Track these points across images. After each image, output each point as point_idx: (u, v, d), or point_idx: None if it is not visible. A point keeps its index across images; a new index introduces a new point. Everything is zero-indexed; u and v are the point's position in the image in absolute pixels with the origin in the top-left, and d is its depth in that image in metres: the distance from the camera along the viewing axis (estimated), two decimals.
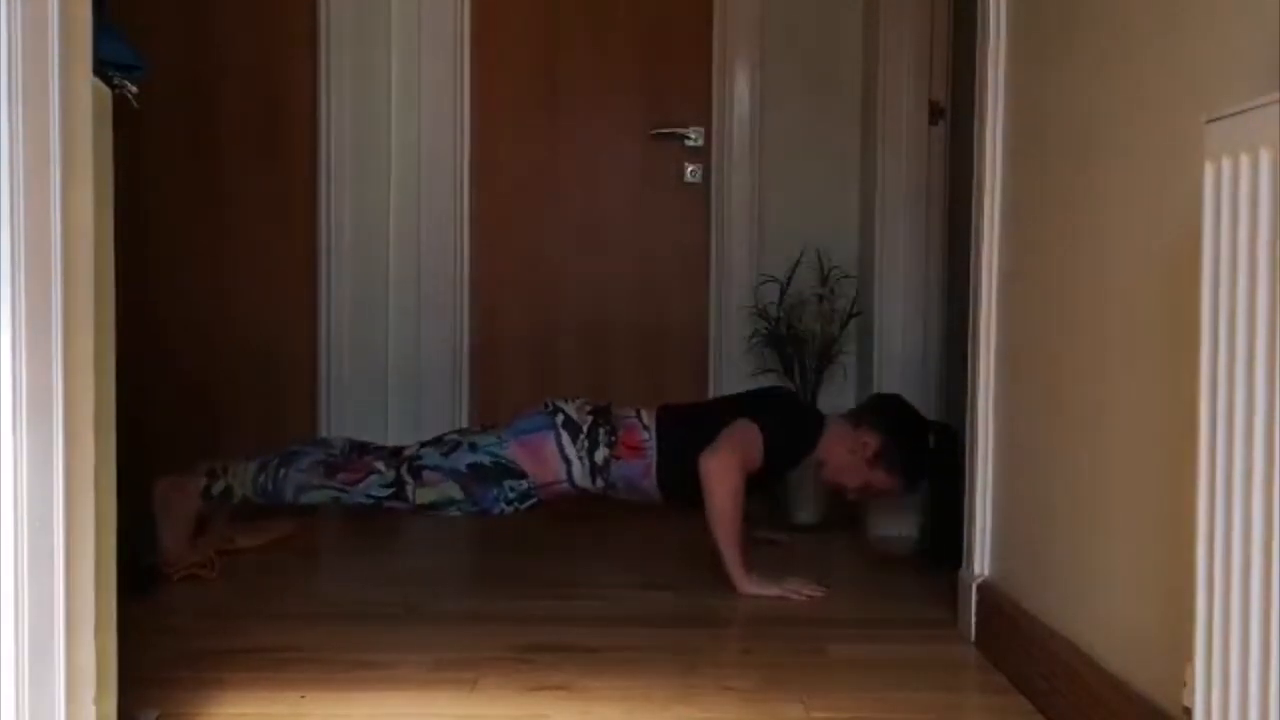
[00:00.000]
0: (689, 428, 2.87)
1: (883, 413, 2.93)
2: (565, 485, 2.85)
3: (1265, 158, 1.07)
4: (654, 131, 3.80)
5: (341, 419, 3.71)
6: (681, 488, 2.86)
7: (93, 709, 1.46)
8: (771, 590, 2.67)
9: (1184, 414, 1.32)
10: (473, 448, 2.85)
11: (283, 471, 2.83)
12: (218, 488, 2.83)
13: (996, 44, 2.35)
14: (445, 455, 2.84)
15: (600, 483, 2.85)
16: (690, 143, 3.81)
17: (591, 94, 3.84)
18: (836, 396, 3.60)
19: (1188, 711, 1.25)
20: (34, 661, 1.31)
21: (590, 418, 2.87)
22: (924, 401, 3.47)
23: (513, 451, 2.83)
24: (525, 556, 3.15)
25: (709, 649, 2.33)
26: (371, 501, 2.85)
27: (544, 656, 2.20)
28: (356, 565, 3.08)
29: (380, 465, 2.84)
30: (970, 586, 2.37)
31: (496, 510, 2.85)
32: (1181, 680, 1.39)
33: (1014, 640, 2.11)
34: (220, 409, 3.71)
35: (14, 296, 1.27)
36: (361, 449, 2.92)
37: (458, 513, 2.89)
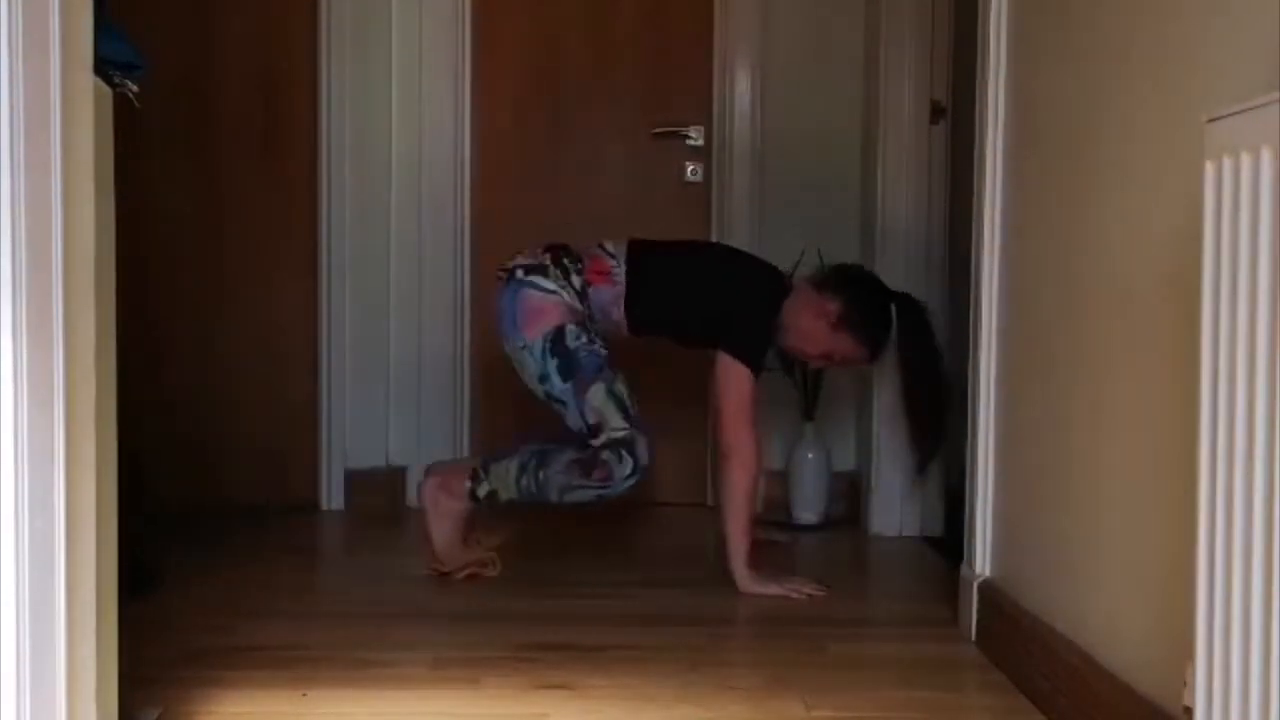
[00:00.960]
0: (664, 269, 2.84)
1: (846, 278, 2.87)
2: (579, 310, 2.78)
3: (1266, 156, 1.07)
4: (655, 131, 3.80)
5: (342, 420, 3.71)
6: (648, 322, 2.84)
7: (94, 707, 1.46)
8: (773, 590, 2.67)
9: (1185, 414, 1.32)
10: (542, 379, 2.74)
11: (542, 474, 2.75)
12: (483, 490, 2.78)
13: (997, 43, 2.35)
14: (568, 409, 2.74)
15: (585, 308, 2.79)
16: (691, 142, 3.80)
17: (592, 93, 3.84)
18: (837, 396, 3.60)
19: (1188, 711, 1.25)
20: (35, 659, 1.31)
21: (547, 255, 2.80)
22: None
23: (532, 331, 2.73)
24: (527, 555, 3.16)
25: (711, 648, 2.33)
26: (631, 478, 2.71)
27: (546, 655, 2.20)
28: (358, 563, 3.08)
29: (606, 456, 2.70)
30: (971, 585, 2.37)
31: (601, 356, 2.74)
32: (1182, 680, 1.39)
33: (1015, 639, 2.11)
34: (220, 408, 3.71)
35: (15, 295, 1.27)
36: (582, 449, 2.78)
37: (621, 385, 2.74)
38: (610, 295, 2.80)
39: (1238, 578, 1.11)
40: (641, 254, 2.84)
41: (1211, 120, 1.17)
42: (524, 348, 2.76)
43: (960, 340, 2.75)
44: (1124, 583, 1.72)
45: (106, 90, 1.58)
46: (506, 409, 3.62)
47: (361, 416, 3.73)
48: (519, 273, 2.79)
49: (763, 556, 2.78)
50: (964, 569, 2.45)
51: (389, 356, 3.73)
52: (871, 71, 3.52)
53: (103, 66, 1.55)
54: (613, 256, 2.82)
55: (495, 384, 3.78)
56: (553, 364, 2.74)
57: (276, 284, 3.76)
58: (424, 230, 3.73)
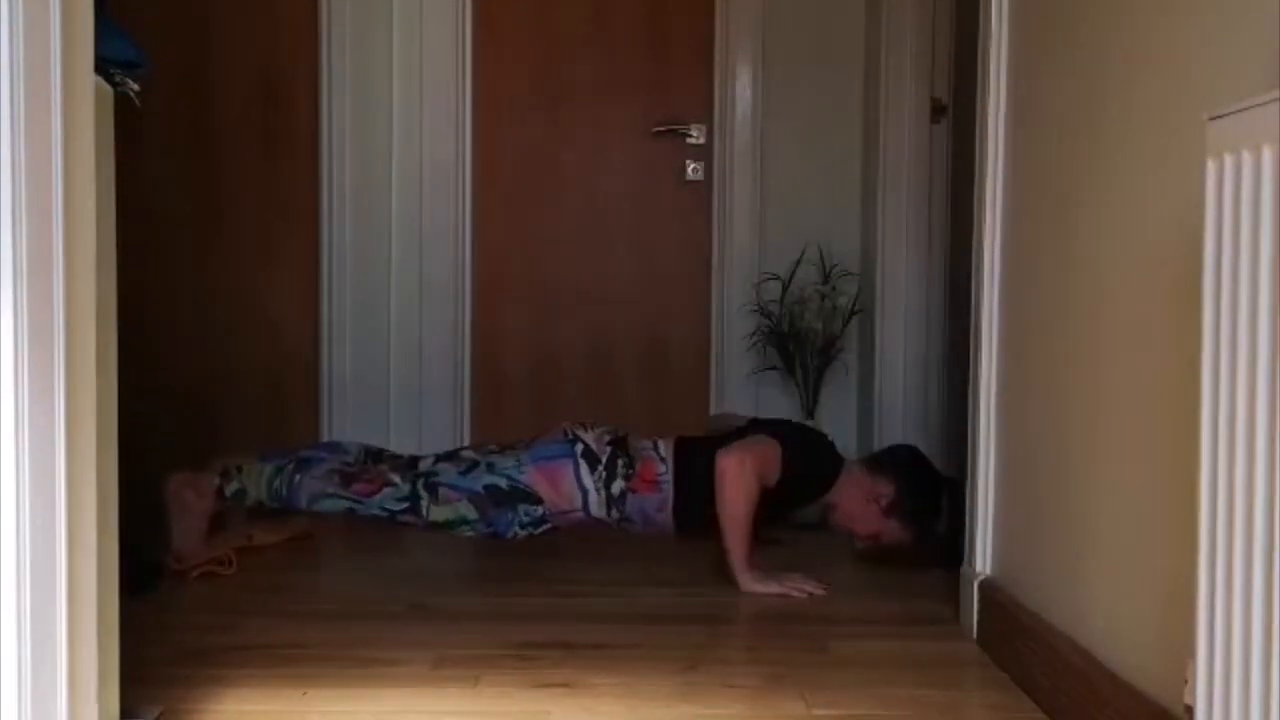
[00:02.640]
0: (707, 461, 2.80)
1: (901, 464, 2.90)
2: (580, 514, 2.86)
3: (1268, 154, 1.07)
4: (656, 129, 3.80)
5: (343, 416, 3.71)
6: (697, 521, 2.87)
7: (95, 705, 1.46)
8: (773, 588, 2.67)
9: (1186, 411, 1.31)
10: (490, 468, 2.84)
11: (297, 478, 2.82)
12: (231, 488, 2.83)
13: (998, 41, 2.35)
14: (462, 474, 2.84)
15: (615, 514, 2.86)
16: (692, 140, 3.80)
17: (593, 91, 3.84)
18: (838, 394, 3.60)
19: (1189, 709, 1.25)
20: (36, 657, 1.31)
21: (609, 449, 2.87)
22: (925, 398, 3.47)
23: (531, 478, 2.84)
24: (528, 554, 3.15)
25: (711, 646, 2.33)
26: (385, 514, 2.85)
27: (546, 654, 2.20)
28: (359, 563, 3.08)
29: (395, 478, 2.83)
30: (972, 584, 2.37)
31: (509, 534, 2.86)
32: (1183, 678, 1.39)
33: (1016, 637, 2.11)
34: (222, 405, 3.71)
35: (15, 294, 1.27)
36: (376, 457, 2.91)
37: (471, 533, 2.89)
38: (655, 502, 2.87)
39: (1239, 576, 1.11)
40: (686, 455, 2.89)
41: (1213, 118, 1.17)
42: (519, 464, 2.86)
43: (961, 340, 2.74)
44: (1125, 581, 1.72)
45: (107, 89, 1.58)
46: (506, 406, 3.62)
47: (362, 415, 3.72)
48: (579, 448, 2.87)
49: (763, 555, 2.78)
50: (964, 568, 2.45)
51: (389, 354, 3.73)
52: (872, 69, 3.51)
53: (104, 65, 1.55)
54: (663, 461, 2.88)
55: (495, 382, 3.79)
56: (500, 482, 2.85)
57: (277, 282, 3.76)
58: (424, 228, 3.73)
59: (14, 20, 1.25)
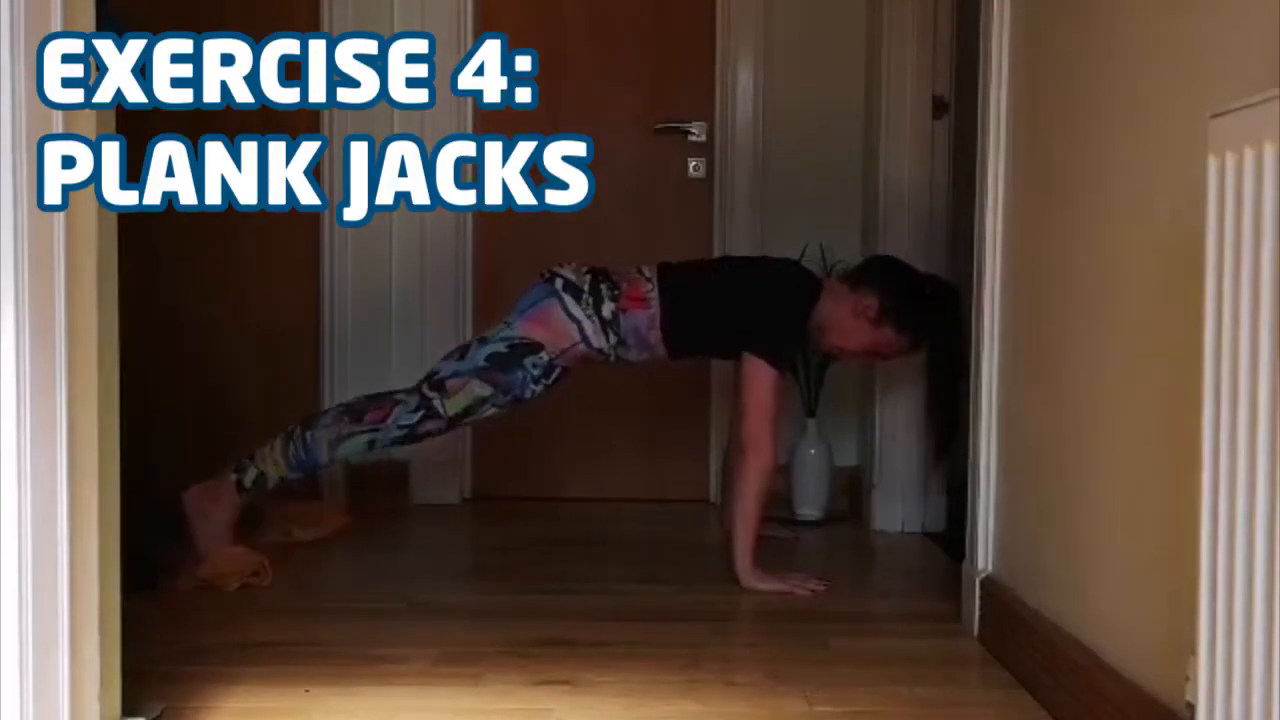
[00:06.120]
0: (692, 284, 2.88)
1: (880, 272, 2.91)
2: (581, 346, 2.82)
3: (1269, 152, 1.07)
4: (657, 126, 3.80)
5: None
6: (686, 340, 2.88)
7: (96, 704, 1.47)
8: (775, 585, 2.67)
9: (1188, 408, 1.31)
10: (483, 341, 2.83)
11: (309, 435, 2.79)
12: (250, 477, 2.78)
13: (1000, 37, 2.35)
14: (461, 360, 2.82)
15: (612, 338, 2.82)
16: (693, 138, 3.80)
17: (594, 89, 3.83)
18: (840, 393, 3.59)
19: (1191, 707, 1.25)
20: (38, 656, 1.32)
21: (589, 277, 2.85)
22: (926, 395, 3.47)
23: (523, 328, 2.81)
24: (528, 551, 3.16)
25: (712, 643, 2.33)
26: (406, 431, 2.81)
27: (547, 651, 2.20)
28: (360, 560, 3.08)
29: (401, 395, 2.81)
30: (974, 581, 2.37)
31: (527, 393, 2.81)
32: (1185, 675, 1.39)
33: (1017, 635, 2.11)
34: (223, 405, 3.70)
35: (17, 291, 1.27)
36: (378, 395, 2.90)
37: (493, 410, 2.83)
38: (645, 319, 2.83)
39: (1241, 573, 1.11)
40: (670, 275, 2.88)
41: (1215, 116, 1.17)
42: (507, 324, 2.84)
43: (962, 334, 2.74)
44: (1127, 578, 1.72)
45: None
46: None
47: None
48: (558, 283, 2.85)
49: (765, 551, 2.78)
50: (966, 565, 2.45)
51: (391, 353, 3.73)
52: (874, 66, 3.51)
53: None
54: (648, 280, 2.86)
55: None
56: (499, 347, 2.80)
57: (279, 281, 3.75)
58: (425, 227, 3.72)
59: (15, 16, 1.25)
